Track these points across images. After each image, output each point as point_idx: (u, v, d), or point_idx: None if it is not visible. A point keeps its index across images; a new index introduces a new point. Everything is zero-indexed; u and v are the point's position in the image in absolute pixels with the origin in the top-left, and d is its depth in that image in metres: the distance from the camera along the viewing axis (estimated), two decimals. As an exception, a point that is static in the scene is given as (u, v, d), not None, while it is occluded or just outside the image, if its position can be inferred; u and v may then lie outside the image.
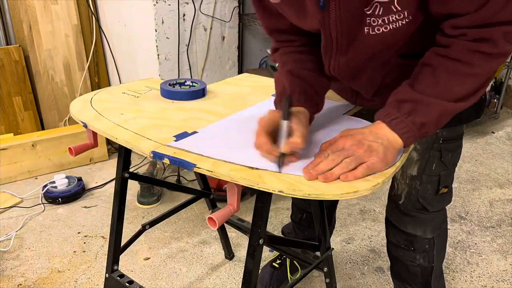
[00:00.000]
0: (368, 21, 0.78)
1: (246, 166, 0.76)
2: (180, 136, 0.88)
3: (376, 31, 0.80)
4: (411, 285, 1.26)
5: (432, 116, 0.77)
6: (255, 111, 1.04)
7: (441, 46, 0.78)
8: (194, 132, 0.90)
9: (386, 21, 0.78)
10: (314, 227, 1.16)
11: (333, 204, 1.49)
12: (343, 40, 0.83)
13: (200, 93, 1.12)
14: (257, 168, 0.75)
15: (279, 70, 0.96)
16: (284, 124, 0.79)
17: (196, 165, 0.76)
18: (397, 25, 0.78)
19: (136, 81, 1.26)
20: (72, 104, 1.06)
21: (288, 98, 0.83)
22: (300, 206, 1.47)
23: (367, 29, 0.80)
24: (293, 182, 0.72)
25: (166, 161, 0.80)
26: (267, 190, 0.72)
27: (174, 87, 1.14)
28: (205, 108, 1.05)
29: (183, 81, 1.17)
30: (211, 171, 0.75)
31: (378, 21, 0.78)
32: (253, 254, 0.88)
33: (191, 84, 1.16)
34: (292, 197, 1.53)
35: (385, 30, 0.79)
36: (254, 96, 1.14)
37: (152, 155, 0.82)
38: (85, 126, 0.97)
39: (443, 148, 1.04)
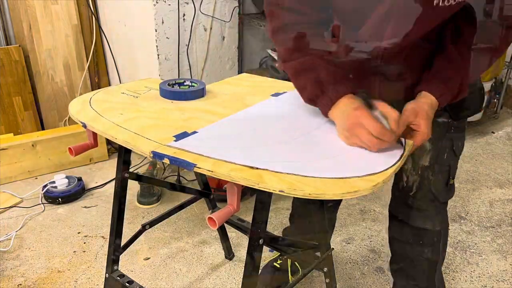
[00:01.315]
0: None
1: (246, 166, 0.76)
2: (180, 136, 0.88)
3: (446, 3, 0.83)
4: (415, 280, 1.26)
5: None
6: (255, 111, 1.04)
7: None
8: (194, 132, 0.90)
9: None
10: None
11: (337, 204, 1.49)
12: (410, 10, 0.85)
13: (199, 93, 1.12)
14: (257, 168, 0.75)
15: (305, 55, 0.92)
16: (379, 113, 0.86)
17: (196, 165, 0.76)
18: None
19: (135, 81, 1.25)
20: (71, 104, 1.06)
21: (365, 91, 0.90)
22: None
23: (436, 0, 0.82)
24: (294, 181, 0.72)
25: (166, 161, 0.80)
26: (267, 190, 0.71)
27: (173, 87, 1.14)
28: (205, 108, 1.05)
29: (182, 81, 1.17)
30: (211, 171, 0.75)
31: None
32: (253, 254, 0.88)
33: (190, 84, 1.16)
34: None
35: (453, 3, 0.83)
36: (254, 96, 1.14)
37: (152, 155, 0.82)
38: (84, 126, 0.97)
39: (454, 137, 1.06)
